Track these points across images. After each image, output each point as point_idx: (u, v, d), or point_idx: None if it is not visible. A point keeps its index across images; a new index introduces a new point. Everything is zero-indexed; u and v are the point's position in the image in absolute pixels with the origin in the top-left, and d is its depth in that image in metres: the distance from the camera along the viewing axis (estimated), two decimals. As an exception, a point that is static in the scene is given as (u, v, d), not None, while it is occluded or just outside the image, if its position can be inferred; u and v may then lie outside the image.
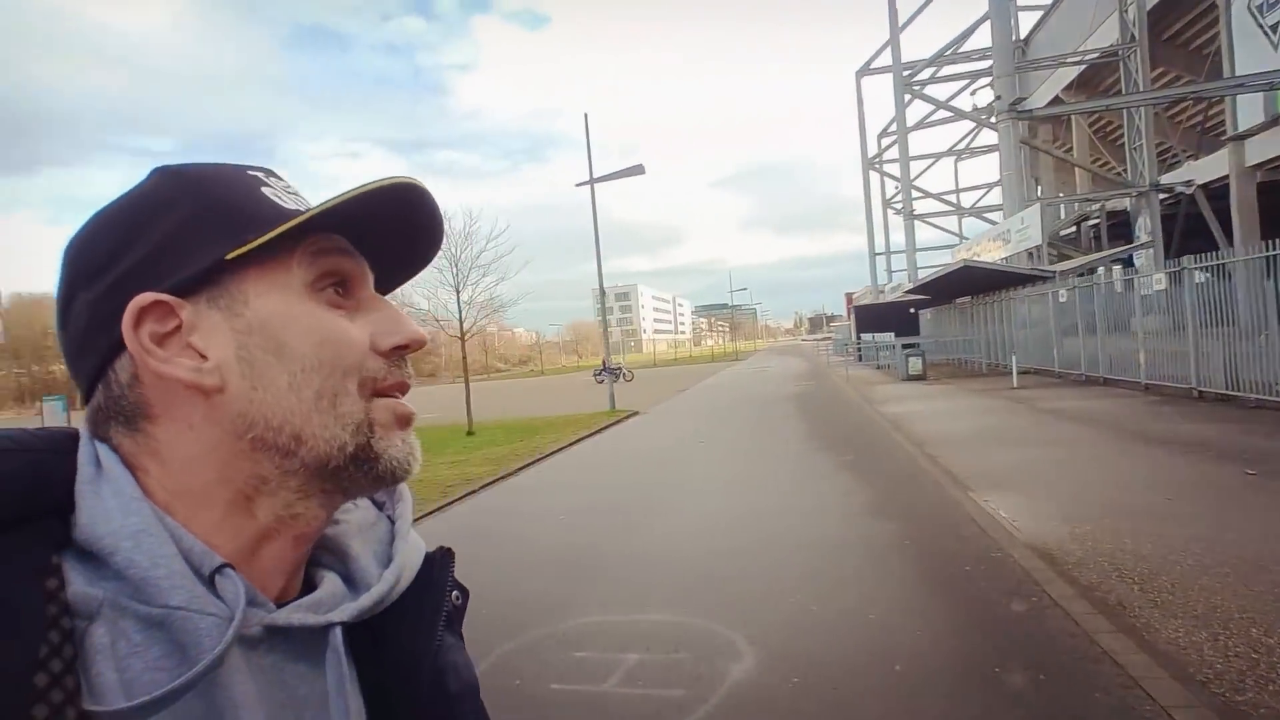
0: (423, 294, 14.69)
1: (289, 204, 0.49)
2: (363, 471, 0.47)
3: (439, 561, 0.56)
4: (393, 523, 0.56)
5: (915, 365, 19.13)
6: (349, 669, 0.49)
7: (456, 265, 14.44)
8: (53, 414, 20.02)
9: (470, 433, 14.50)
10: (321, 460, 0.46)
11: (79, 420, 0.50)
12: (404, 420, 0.49)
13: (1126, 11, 20.94)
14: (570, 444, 12.10)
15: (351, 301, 0.50)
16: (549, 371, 66.10)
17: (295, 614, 0.45)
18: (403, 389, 0.50)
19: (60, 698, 0.36)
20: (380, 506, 0.57)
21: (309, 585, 0.50)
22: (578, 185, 17.35)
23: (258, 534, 0.46)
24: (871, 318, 32.02)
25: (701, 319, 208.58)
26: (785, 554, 4.99)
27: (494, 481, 9.04)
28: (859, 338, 32.13)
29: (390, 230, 0.51)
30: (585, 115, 16.95)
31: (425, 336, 0.52)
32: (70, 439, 0.44)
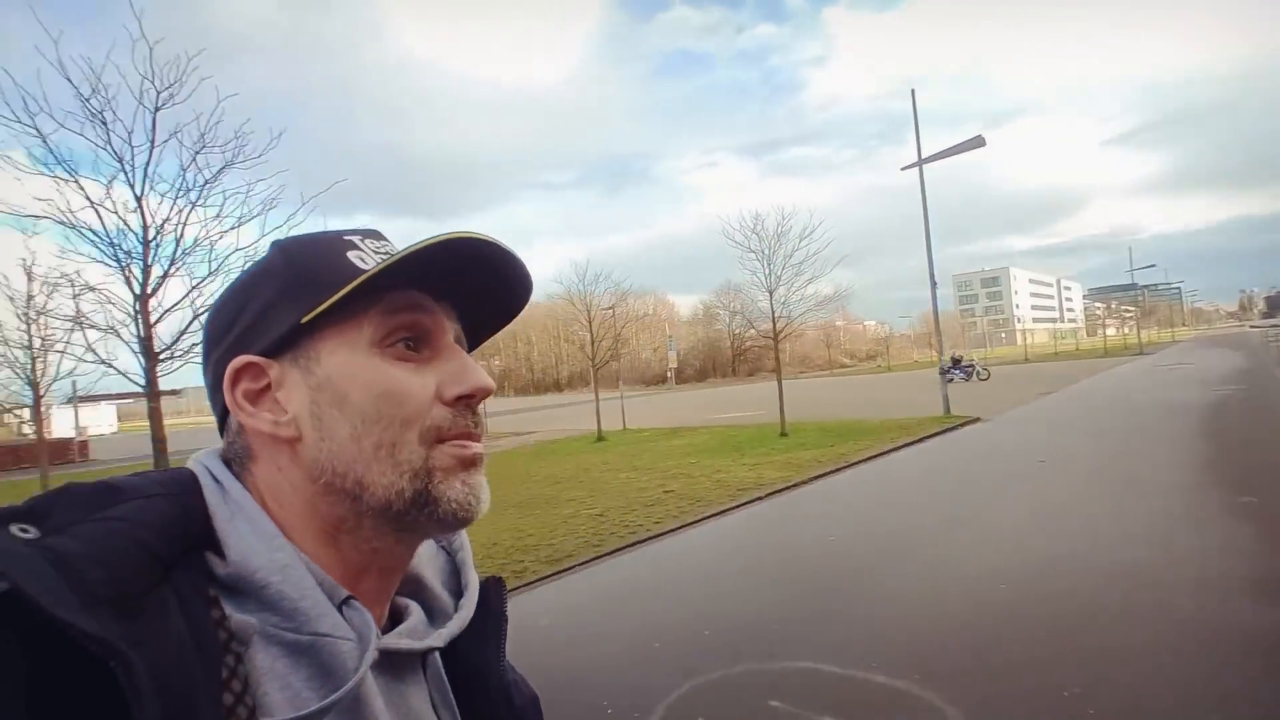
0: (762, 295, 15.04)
1: (370, 265, 0.52)
2: (425, 514, 0.50)
3: (494, 589, 0.61)
4: (449, 554, 0.62)
5: None
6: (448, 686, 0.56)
7: (769, 265, 14.49)
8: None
9: (783, 434, 14.43)
10: (384, 504, 0.49)
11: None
12: (467, 463, 0.52)
13: None
14: (882, 453, 11.22)
15: (426, 353, 0.53)
16: (896, 367, 62.11)
17: (402, 640, 0.52)
18: (468, 438, 0.52)
19: (245, 713, 0.41)
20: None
21: (392, 610, 0.56)
22: (904, 169, 15.92)
23: (351, 567, 0.51)
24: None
25: (1097, 304, 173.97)
26: (1088, 632, 3.87)
27: (784, 489, 8.85)
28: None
29: (472, 282, 0.55)
30: (912, 92, 15.44)
31: (490, 386, 0.54)
32: (192, 479, 0.50)
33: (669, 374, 65.51)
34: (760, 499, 8.38)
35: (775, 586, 5.11)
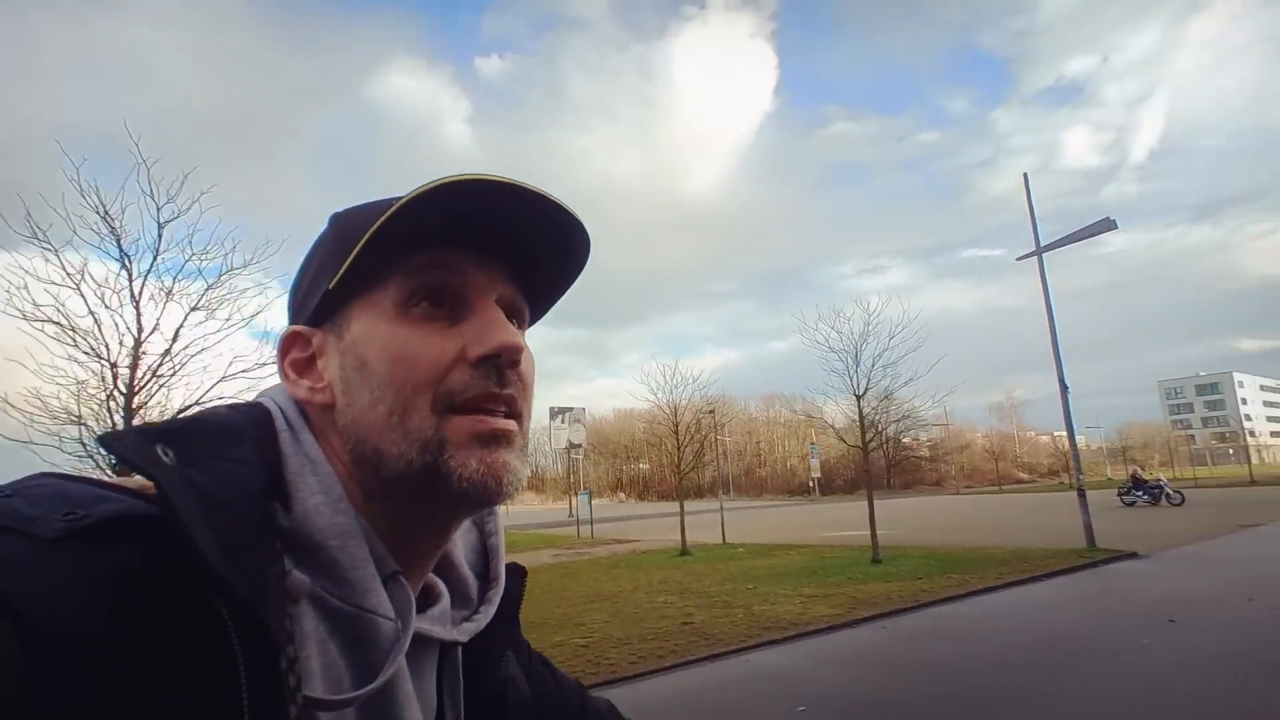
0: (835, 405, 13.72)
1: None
2: (437, 491, 0.46)
3: (515, 578, 0.58)
4: (481, 533, 0.58)
5: None
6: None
7: (856, 365, 13.08)
8: (583, 503, 25.85)
9: (876, 560, 12.46)
10: (398, 476, 0.46)
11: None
12: (485, 439, 0.47)
13: None
14: (971, 593, 9.15)
15: (457, 312, 0.49)
16: (1086, 485, 53.71)
17: (433, 625, 0.50)
18: (489, 399, 0.48)
19: (294, 681, 0.38)
20: None
21: (422, 586, 0.52)
22: (1019, 259, 14.03)
23: (386, 540, 0.47)
24: None
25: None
26: None
27: (813, 632, 7.32)
28: None
29: (511, 236, 0.50)
30: (1025, 176, 13.78)
31: (517, 344, 0.49)
32: (267, 416, 0.48)
33: (811, 484, 61.60)
34: (775, 642, 6.94)
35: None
